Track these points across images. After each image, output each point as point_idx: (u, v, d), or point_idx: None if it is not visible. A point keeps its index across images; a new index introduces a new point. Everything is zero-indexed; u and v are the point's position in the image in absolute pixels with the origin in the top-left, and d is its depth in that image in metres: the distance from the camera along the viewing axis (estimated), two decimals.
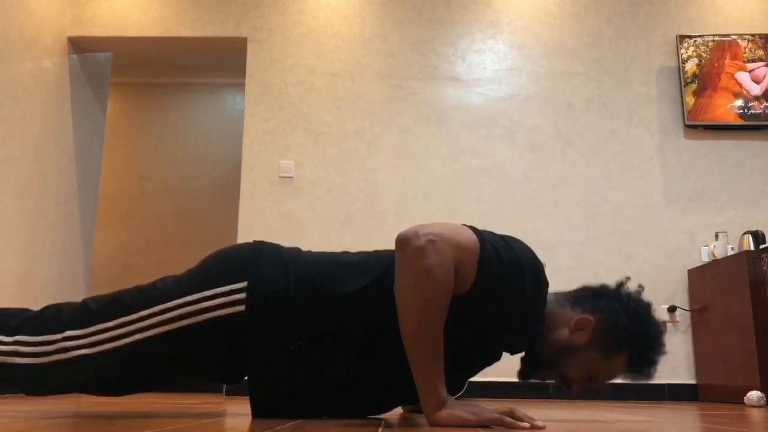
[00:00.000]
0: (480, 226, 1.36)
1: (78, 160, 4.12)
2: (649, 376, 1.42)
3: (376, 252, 1.46)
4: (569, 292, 1.47)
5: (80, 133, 4.14)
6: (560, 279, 3.74)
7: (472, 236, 1.27)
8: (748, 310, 3.02)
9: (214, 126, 5.51)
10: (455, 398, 1.23)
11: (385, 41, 4.01)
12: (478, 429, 1.13)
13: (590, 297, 1.43)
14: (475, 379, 3.57)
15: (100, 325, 1.36)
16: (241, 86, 4.54)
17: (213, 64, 5.37)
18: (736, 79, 3.85)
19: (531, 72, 3.97)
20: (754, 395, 2.80)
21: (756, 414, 2.06)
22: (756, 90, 3.83)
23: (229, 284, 1.35)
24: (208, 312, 1.34)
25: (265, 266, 1.37)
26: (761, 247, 3.22)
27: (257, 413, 1.41)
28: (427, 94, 3.91)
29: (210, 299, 1.34)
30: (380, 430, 1.16)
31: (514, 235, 1.42)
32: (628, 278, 1.46)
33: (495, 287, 1.26)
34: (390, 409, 1.48)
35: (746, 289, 3.05)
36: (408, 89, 3.93)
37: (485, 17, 4.05)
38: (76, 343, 1.36)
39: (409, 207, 3.78)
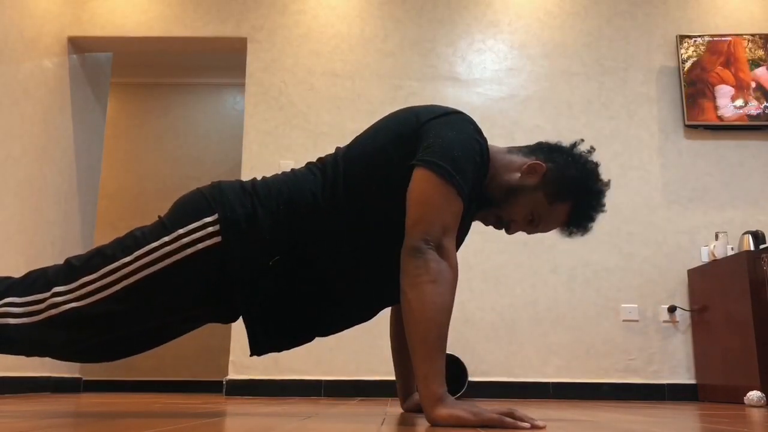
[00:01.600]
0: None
1: (78, 160, 4.12)
2: (585, 230, 1.54)
3: (322, 159, 1.52)
4: (525, 145, 1.57)
5: (80, 133, 4.14)
6: (560, 279, 3.76)
7: (457, 201, 1.32)
8: (748, 310, 3.02)
9: (214, 126, 5.51)
10: (455, 398, 1.24)
11: (385, 41, 4.01)
12: (478, 429, 1.13)
13: (545, 149, 1.54)
14: (476, 379, 3.58)
15: (86, 278, 1.39)
16: (241, 86, 4.55)
17: (213, 64, 5.37)
18: (748, 77, 3.85)
19: (531, 72, 3.97)
20: (754, 395, 2.80)
21: (756, 414, 2.06)
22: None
23: (200, 219, 1.41)
24: (186, 248, 1.39)
25: (230, 196, 1.44)
26: (761, 247, 3.22)
27: (254, 343, 1.47)
28: (427, 94, 3.91)
29: (186, 236, 1.39)
30: (380, 429, 1.16)
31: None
32: (582, 140, 1.57)
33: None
34: (377, 312, 1.56)
35: (746, 289, 3.05)
36: (408, 89, 3.93)
37: (485, 17, 4.05)
38: (65, 297, 1.38)
39: None
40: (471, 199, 1.40)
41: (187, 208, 1.44)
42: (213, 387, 4.45)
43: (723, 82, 3.85)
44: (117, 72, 5.09)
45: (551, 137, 3.82)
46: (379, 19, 4.04)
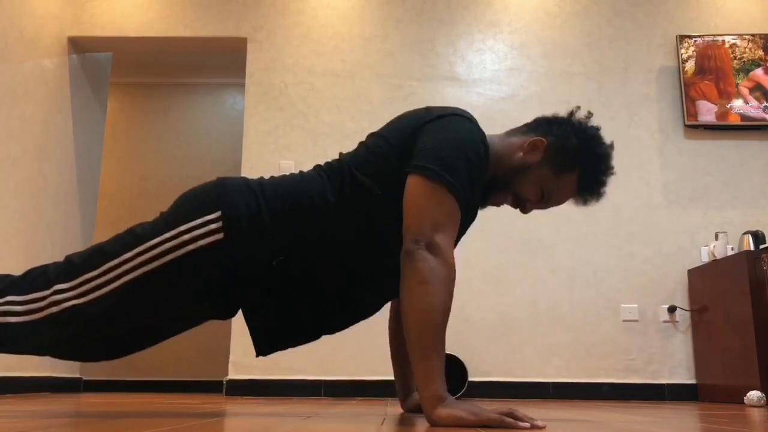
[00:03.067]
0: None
1: (78, 160, 4.12)
2: (599, 195, 1.52)
3: (329, 162, 1.53)
4: (523, 124, 1.58)
5: (80, 133, 4.14)
6: (560, 279, 3.76)
7: (451, 202, 1.32)
8: (748, 310, 3.02)
9: (214, 126, 5.51)
10: (455, 398, 1.24)
11: (385, 41, 4.01)
12: (478, 429, 1.13)
13: (543, 123, 1.55)
14: (476, 379, 3.58)
15: (87, 275, 1.38)
16: (241, 86, 4.55)
17: (213, 64, 5.37)
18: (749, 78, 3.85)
19: (531, 72, 3.97)
20: (754, 395, 2.80)
21: (756, 414, 2.06)
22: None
23: (203, 216, 1.40)
24: (187, 245, 1.37)
25: (234, 194, 1.43)
26: (761, 247, 3.22)
27: (258, 343, 1.47)
28: (427, 94, 3.91)
29: (188, 232, 1.38)
30: (380, 430, 1.16)
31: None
32: (578, 107, 1.56)
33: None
34: (377, 309, 1.57)
35: (746, 289, 3.05)
36: (408, 89, 3.93)
37: (485, 17, 4.05)
38: (65, 295, 1.38)
39: None
40: (472, 195, 1.40)
41: (190, 205, 1.43)
42: (213, 387, 4.45)
43: (704, 97, 3.84)
44: (117, 72, 5.09)
45: None
46: (379, 19, 4.04)
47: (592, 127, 1.52)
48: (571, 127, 1.51)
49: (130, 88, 5.55)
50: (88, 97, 4.27)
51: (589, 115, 1.54)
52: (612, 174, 1.52)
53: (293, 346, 1.53)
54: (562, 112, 1.58)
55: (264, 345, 1.49)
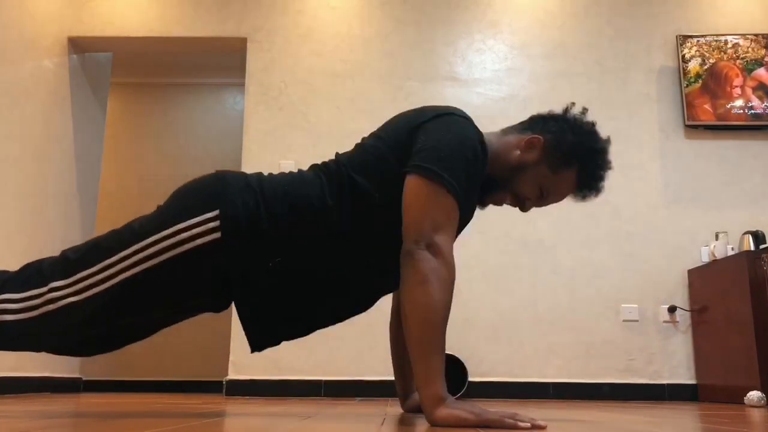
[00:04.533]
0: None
1: (78, 160, 4.11)
2: (598, 190, 1.52)
3: (326, 163, 1.52)
4: (519, 123, 1.58)
5: (80, 133, 4.14)
6: (560, 279, 3.76)
7: (450, 201, 1.32)
8: (748, 310, 3.02)
9: (214, 126, 5.51)
10: (455, 398, 1.24)
11: (385, 41, 4.01)
12: (478, 429, 1.13)
13: (539, 121, 1.55)
14: (476, 379, 3.58)
15: (84, 272, 1.38)
16: (241, 86, 4.54)
17: (213, 64, 5.37)
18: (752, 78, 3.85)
19: (531, 72, 3.97)
20: (754, 395, 2.80)
21: (756, 414, 2.06)
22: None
23: (201, 214, 1.39)
24: (185, 243, 1.37)
25: (234, 192, 1.42)
26: (761, 247, 3.22)
27: (253, 340, 1.47)
28: (427, 94, 3.91)
29: (185, 231, 1.38)
30: (380, 430, 1.16)
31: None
32: (573, 103, 1.56)
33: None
34: (373, 302, 1.58)
35: (746, 289, 3.05)
36: (408, 89, 3.93)
37: (485, 17, 4.05)
38: (62, 292, 1.38)
39: None
40: (470, 194, 1.41)
41: (188, 201, 1.42)
42: (213, 387, 4.45)
43: (725, 81, 3.85)
44: (117, 72, 5.09)
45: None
46: (379, 19, 4.04)
47: (588, 122, 1.52)
48: (566, 124, 1.51)
49: (130, 88, 5.55)
50: (88, 97, 4.26)
51: (584, 110, 1.54)
52: (609, 168, 1.52)
53: (287, 339, 1.53)
54: (559, 110, 1.58)
55: (257, 340, 1.48)
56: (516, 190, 1.52)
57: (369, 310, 1.60)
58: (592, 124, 1.52)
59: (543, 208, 1.66)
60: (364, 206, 1.43)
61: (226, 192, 1.41)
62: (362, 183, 1.43)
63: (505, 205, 1.58)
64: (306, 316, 1.51)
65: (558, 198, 1.54)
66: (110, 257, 1.38)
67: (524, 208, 1.56)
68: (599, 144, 1.50)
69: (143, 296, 1.39)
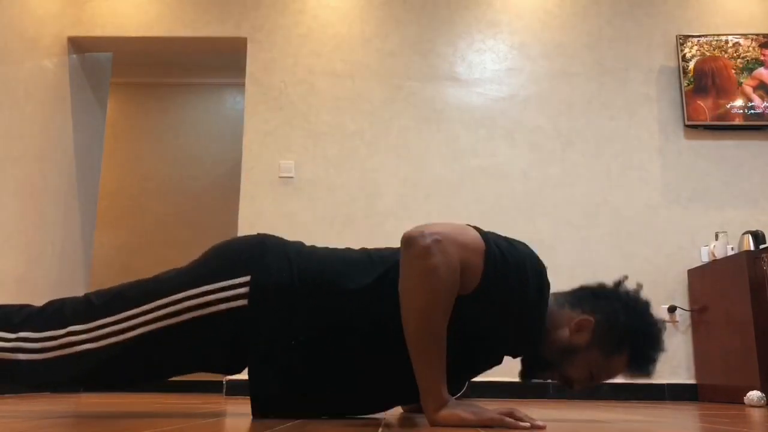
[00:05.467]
0: (480, 226, 1.37)
1: (78, 160, 4.11)
2: (649, 373, 1.44)
3: (380, 249, 1.46)
4: (568, 293, 1.47)
5: (80, 133, 4.14)
6: (560, 279, 3.73)
7: (477, 236, 1.28)
8: (748, 310, 3.02)
9: (214, 126, 5.51)
10: (455, 398, 1.23)
11: (385, 41, 4.01)
12: (479, 429, 1.13)
13: (590, 297, 1.44)
14: (476, 379, 3.57)
15: (104, 320, 1.36)
16: (241, 86, 4.54)
17: (213, 64, 5.36)
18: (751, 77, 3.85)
19: (531, 72, 3.97)
20: (754, 395, 2.80)
21: (756, 414, 2.06)
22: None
23: (232, 278, 1.36)
24: (211, 306, 1.34)
25: (269, 260, 1.38)
26: (761, 247, 3.22)
27: (257, 410, 1.41)
28: (427, 94, 3.91)
29: (213, 293, 1.35)
30: (380, 430, 1.16)
31: (514, 235, 1.44)
32: (626, 277, 1.46)
33: (499, 287, 1.27)
34: (390, 407, 1.49)
35: (746, 289, 3.04)
36: (408, 89, 3.93)
37: (485, 17, 4.05)
38: (80, 338, 1.36)
39: (409, 207, 3.78)
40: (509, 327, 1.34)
41: (221, 263, 1.38)
42: (213, 387, 4.45)
43: (725, 81, 3.85)
44: (117, 72, 5.09)
45: (551, 137, 3.84)
46: (379, 19, 4.04)
47: (643, 301, 1.43)
48: (618, 303, 1.41)
49: (130, 88, 5.54)
50: (88, 97, 4.26)
51: (639, 287, 1.45)
52: (663, 351, 1.43)
53: (292, 417, 1.43)
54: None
55: (262, 409, 1.40)
56: (566, 372, 1.43)
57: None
58: (647, 304, 1.43)
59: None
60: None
61: (261, 259, 1.37)
62: None
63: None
64: (317, 401, 1.41)
65: (608, 378, 1.47)
66: (133, 309, 1.36)
67: (573, 389, 1.47)
68: (653, 328, 1.41)
69: (160, 351, 1.37)
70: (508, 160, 3.80)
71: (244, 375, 1.41)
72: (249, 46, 4.00)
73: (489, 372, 1.62)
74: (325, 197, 3.79)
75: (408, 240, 1.22)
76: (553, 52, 3.99)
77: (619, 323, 1.39)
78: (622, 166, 3.80)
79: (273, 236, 1.47)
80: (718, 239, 3.55)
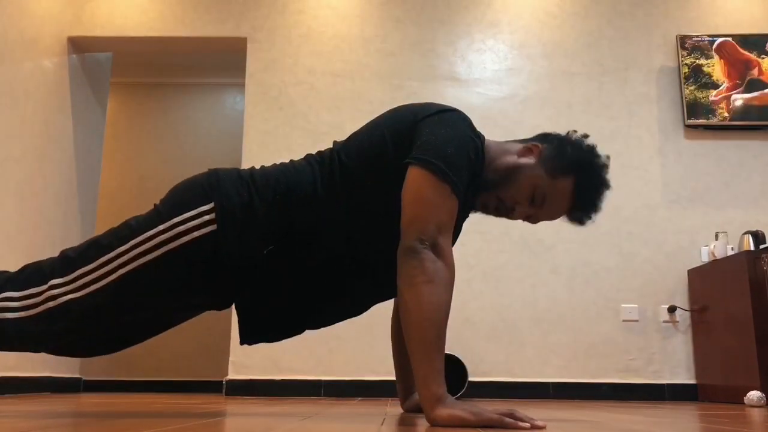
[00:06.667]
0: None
1: (78, 160, 4.12)
2: (595, 209, 1.50)
3: (320, 153, 1.52)
4: (520, 139, 1.59)
5: (80, 133, 4.14)
6: (560, 279, 3.76)
7: (447, 193, 1.31)
8: (748, 310, 3.02)
9: (214, 126, 5.51)
10: (455, 398, 1.24)
11: (385, 41, 4.01)
12: (478, 429, 1.13)
13: (539, 135, 1.57)
14: (476, 379, 3.58)
15: (83, 269, 1.39)
16: (241, 86, 4.55)
17: (213, 64, 5.37)
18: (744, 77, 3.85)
19: (531, 72, 3.97)
20: (754, 395, 2.80)
21: (756, 414, 2.06)
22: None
23: (196, 207, 1.40)
24: (182, 236, 1.38)
25: (227, 184, 1.44)
26: (761, 247, 3.22)
27: (244, 331, 1.50)
28: (427, 94, 3.91)
29: (181, 224, 1.39)
30: (380, 429, 1.16)
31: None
32: (575, 131, 1.56)
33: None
34: (368, 307, 1.57)
35: (746, 289, 3.05)
36: (408, 89, 3.93)
37: (485, 17, 4.05)
38: (62, 290, 1.38)
39: None
40: (466, 196, 1.40)
41: (183, 196, 1.44)
42: (213, 387, 4.45)
43: (724, 81, 3.85)
44: (117, 72, 5.09)
45: None
46: (379, 19, 4.04)
47: (588, 142, 1.53)
48: (567, 139, 1.52)
49: (130, 88, 5.55)
50: (88, 97, 4.27)
51: (585, 136, 1.54)
52: (608, 188, 1.50)
53: (278, 339, 1.54)
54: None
55: (248, 334, 1.50)
56: (507, 194, 1.48)
57: (368, 310, 1.60)
58: (593, 145, 1.52)
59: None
60: (357, 193, 1.43)
61: (219, 185, 1.43)
62: (354, 167, 1.43)
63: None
64: (298, 311, 1.52)
65: (552, 210, 1.50)
66: (109, 253, 1.39)
67: (512, 215, 1.52)
68: (599, 159, 1.50)
69: (143, 290, 1.40)
70: None
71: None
72: (249, 46, 4.00)
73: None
74: None
75: (404, 252, 1.28)
76: (553, 52, 3.99)
77: (566, 152, 1.48)
78: (622, 166, 3.80)
79: (223, 167, 1.53)
80: (718, 239, 3.55)
